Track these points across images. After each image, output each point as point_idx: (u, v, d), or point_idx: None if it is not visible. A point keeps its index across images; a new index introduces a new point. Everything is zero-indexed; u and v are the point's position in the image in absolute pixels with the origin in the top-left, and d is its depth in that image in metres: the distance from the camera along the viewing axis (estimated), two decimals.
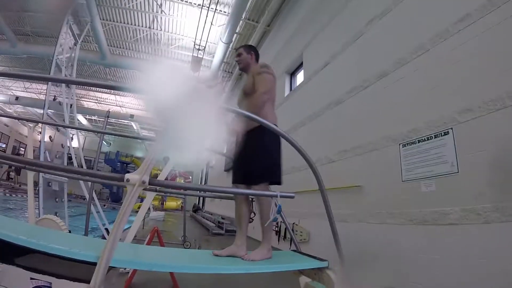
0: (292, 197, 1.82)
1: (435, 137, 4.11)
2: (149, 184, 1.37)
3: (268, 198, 2.46)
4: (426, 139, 4.23)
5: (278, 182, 2.65)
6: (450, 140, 3.90)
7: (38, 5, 13.85)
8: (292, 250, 2.75)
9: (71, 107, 9.23)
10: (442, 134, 4.00)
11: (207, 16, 12.24)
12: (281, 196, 1.76)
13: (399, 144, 4.63)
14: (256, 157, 2.48)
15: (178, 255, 2.43)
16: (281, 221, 3.44)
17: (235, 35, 12.82)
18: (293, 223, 6.75)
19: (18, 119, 32.09)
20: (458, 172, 3.73)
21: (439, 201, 3.90)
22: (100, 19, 13.77)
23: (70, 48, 10.21)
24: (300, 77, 9.62)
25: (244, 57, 3.02)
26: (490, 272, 3.17)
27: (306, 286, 2.36)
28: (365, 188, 5.23)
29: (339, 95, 6.40)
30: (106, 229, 6.64)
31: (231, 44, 13.30)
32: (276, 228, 7.41)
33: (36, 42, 16.77)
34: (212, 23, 12.68)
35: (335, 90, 6.59)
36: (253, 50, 3.10)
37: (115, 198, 28.74)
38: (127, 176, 1.36)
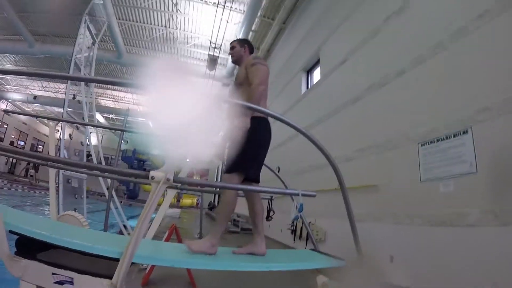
0: (313, 196, 1.81)
1: (454, 136, 4.02)
2: (173, 182, 1.38)
3: (232, 192, 2.39)
4: (445, 138, 4.14)
5: (253, 178, 2.58)
6: (469, 140, 3.81)
7: (55, 6, 14.19)
8: (310, 249, 2.74)
9: (89, 105, 9.38)
10: (461, 133, 3.92)
11: (222, 14, 12.27)
12: (303, 195, 1.75)
13: (418, 144, 4.56)
14: (237, 147, 2.39)
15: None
16: (297, 220, 3.40)
17: (250, 32, 12.85)
18: (309, 222, 6.73)
19: (40, 117, 32.88)
20: (476, 172, 3.65)
21: (458, 202, 3.81)
22: (117, 18, 13.99)
23: (88, 47, 10.39)
24: (316, 75, 9.54)
25: (237, 50, 3.00)
26: (508, 276, 3.10)
27: (323, 285, 2.35)
28: (382, 187, 5.16)
29: (356, 93, 6.33)
30: (124, 225, 6.76)
31: None
32: (292, 227, 7.39)
33: (53, 42, 17.14)
34: (228, 21, 12.73)
35: (353, 87, 6.52)
36: (246, 43, 3.07)
37: (132, 195, 29.15)
38: (152, 173, 1.37)
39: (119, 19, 14.56)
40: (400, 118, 5.03)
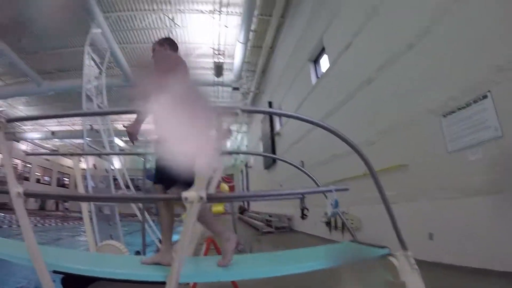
0: (346, 190, 1.77)
1: (474, 103, 3.92)
2: (207, 199, 1.39)
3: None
4: (465, 105, 4.04)
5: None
6: (489, 104, 3.71)
7: (55, 42, 14.62)
8: (350, 241, 2.70)
9: (107, 131, 9.57)
10: (481, 98, 3.81)
11: (220, 20, 12.32)
12: (336, 190, 1.72)
13: (440, 115, 4.45)
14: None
15: (237, 262, 2.44)
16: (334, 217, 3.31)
17: (250, 33, 12.78)
18: (343, 212, 6.65)
19: (62, 155, 33.86)
20: (502, 136, 3.56)
21: (489, 168, 3.71)
22: (118, 43, 14.15)
23: (95, 77, 10.59)
24: (324, 63, 9.43)
25: (157, 50, 2.73)
26: None
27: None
28: (411, 165, 5.05)
29: (368, 74, 6.22)
30: (160, 241, 6.81)
31: (248, 43, 13.27)
32: (327, 220, 7.32)
33: (60, 78, 17.52)
34: (226, 25, 12.75)
35: (364, 70, 6.41)
36: (166, 41, 2.81)
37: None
38: (184, 194, 1.38)
39: (120, 43, 14.75)
40: (417, 92, 4.91)
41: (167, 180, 2.21)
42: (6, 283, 5.48)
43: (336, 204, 1.78)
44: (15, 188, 1.61)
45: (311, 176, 2.73)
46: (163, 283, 1.62)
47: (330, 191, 1.71)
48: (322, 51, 9.38)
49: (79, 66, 10.07)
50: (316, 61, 10.08)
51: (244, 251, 6.29)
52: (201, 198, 1.39)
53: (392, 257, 2.01)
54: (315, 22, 9.38)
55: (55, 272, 1.82)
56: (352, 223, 6.26)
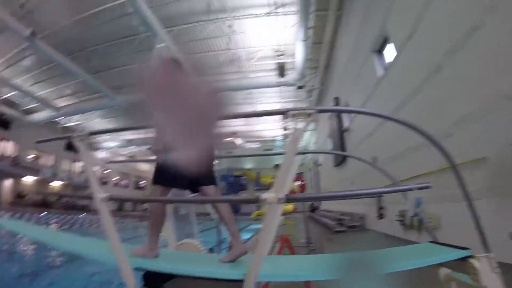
0: (428, 187, 1.66)
1: None
2: (285, 201, 1.42)
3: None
4: None
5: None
6: None
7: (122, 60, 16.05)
8: (429, 242, 2.54)
9: None
10: None
11: (277, 21, 12.38)
12: (418, 188, 1.62)
13: None
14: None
15: (312, 261, 2.43)
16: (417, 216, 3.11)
17: (309, 30, 12.72)
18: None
19: (141, 161, 36.95)
20: None
21: None
22: (181, 55, 14.84)
23: None
24: (387, 53, 8.99)
25: None
26: None
27: (446, 277, 2.16)
28: (490, 158, 4.57)
29: (437, 60, 5.80)
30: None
31: (308, 40, 13.23)
32: (401, 218, 6.94)
33: (130, 92, 18.98)
34: (284, 25, 12.76)
35: (432, 56, 6.00)
36: (166, 61, 2.50)
37: (235, 209, 30.67)
38: (263, 196, 1.42)
39: (184, 54, 15.48)
40: (492, 75, 4.47)
41: (191, 182, 2.38)
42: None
43: (418, 204, 1.68)
44: (99, 194, 1.79)
45: (388, 173, 2.58)
46: (241, 281, 1.67)
47: (411, 189, 1.61)
48: (385, 41, 8.97)
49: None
50: (380, 51, 9.63)
51: (315, 251, 6.21)
52: (279, 199, 1.42)
53: (473, 259, 1.87)
54: (374, 11, 9.04)
55: (136, 269, 1.94)
56: (430, 221, 5.83)
